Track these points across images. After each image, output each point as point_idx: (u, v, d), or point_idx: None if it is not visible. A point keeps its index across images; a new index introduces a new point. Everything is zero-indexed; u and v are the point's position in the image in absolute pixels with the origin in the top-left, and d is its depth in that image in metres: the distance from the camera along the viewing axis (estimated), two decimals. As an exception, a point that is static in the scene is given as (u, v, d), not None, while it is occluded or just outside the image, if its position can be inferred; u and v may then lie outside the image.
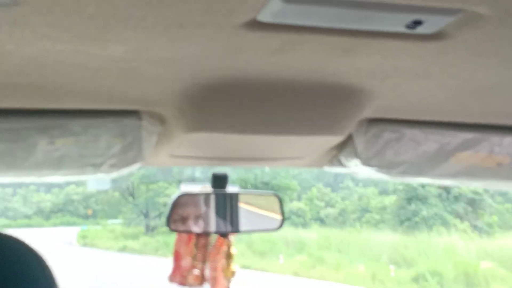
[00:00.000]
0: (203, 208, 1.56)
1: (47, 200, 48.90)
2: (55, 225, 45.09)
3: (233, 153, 1.30)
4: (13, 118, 1.10)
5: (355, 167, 1.31)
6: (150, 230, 29.54)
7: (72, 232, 33.62)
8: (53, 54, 0.82)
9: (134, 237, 28.97)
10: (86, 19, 0.69)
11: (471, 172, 1.35)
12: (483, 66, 0.90)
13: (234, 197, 1.58)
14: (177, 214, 1.53)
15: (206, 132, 1.08)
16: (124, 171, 1.22)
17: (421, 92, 1.06)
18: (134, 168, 1.21)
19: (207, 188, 1.58)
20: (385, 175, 1.33)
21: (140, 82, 0.98)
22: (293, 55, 0.84)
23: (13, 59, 0.84)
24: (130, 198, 32.12)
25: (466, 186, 1.75)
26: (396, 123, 1.28)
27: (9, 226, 46.65)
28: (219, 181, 1.58)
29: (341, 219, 26.41)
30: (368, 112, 1.15)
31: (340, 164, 1.35)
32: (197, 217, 1.56)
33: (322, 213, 27.67)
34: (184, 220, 1.55)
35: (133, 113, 1.16)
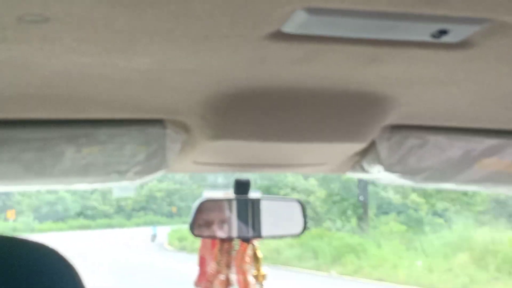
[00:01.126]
0: (226, 213, 1.91)
1: (128, 197, 51.37)
2: (137, 224, 47.22)
3: (256, 160, 1.54)
4: (41, 128, 1.32)
5: (377, 173, 1.52)
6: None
7: (161, 232, 34.13)
8: (80, 67, 0.97)
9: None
10: (114, 33, 0.82)
11: (495, 178, 1.54)
12: (508, 73, 1.02)
13: (256, 203, 1.90)
14: (201, 220, 1.89)
15: (229, 140, 1.26)
16: (148, 178, 1.46)
17: (445, 99, 1.22)
18: (158, 175, 1.46)
19: (230, 194, 1.93)
20: (408, 181, 1.53)
21: (165, 92, 1.15)
22: (317, 64, 0.97)
23: (42, 71, 1.00)
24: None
25: (490, 192, 1.96)
26: (420, 129, 1.45)
27: (89, 226, 49.52)
28: (241, 187, 1.90)
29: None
30: (392, 118, 1.31)
31: (363, 170, 1.57)
32: (221, 223, 1.91)
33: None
34: (208, 225, 1.91)
35: (157, 122, 1.34)
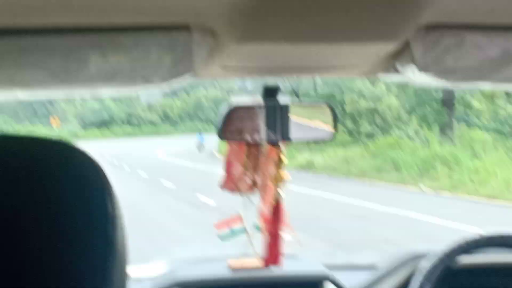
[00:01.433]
0: (254, 118, 2.00)
1: (174, 105, 52.08)
2: (183, 131, 48.36)
3: (285, 63, 1.58)
4: (65, 35, 1.37)
5: (411, 74, 1.54)
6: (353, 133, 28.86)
7: (209, 141, 34.15)
8: None
9: (318, 148, 27.50)
10: None
11: None
12: None
13: (285, 108, 1.98)
14: (230, 125, 1.99)
15: (257, 43, 1.32)
16: (175, 83, 1.51)
17: None
18: (185, 80, 1.50)
19: (258, 99, 2.02)
20: (444, 81, 1.56)
21: None
22: None
23: None
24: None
25: None
26: (457, 28, 1.45)
27: (134, 134, 50.84)
28: (270, 92, 1.98)
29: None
30: (426, 16, 1.33)
31: (396, 71, 1.59)
32: (249, 127, 2.01)
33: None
34: (236, 130, 2.01)
35: (183, 27, 1.40)
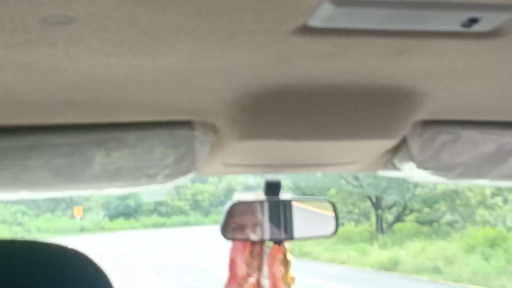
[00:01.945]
0: (257, 215, 2.14)
1: (205, 191, 51.97)
2: (216, 222, 48.04)
3: (286, 160, 1.71)
4: (70, 133, 1.44)
5: (410, 170, 1.67)
6: (386, 227, 26.94)
7: None
8: (106, 69, 1.07)
9: (367, 238, 25.69)
10: (139, 33, 0.90)
11: None
12: None
13: (287, 204, 2.12)
14: (233, 223, 2.13)
15: (258, 140, 1.38)
16: (178, 181, 1.62)
17: (477, 92, 1.31)
18: (187, 178, 1.62)
19: (261, 195, 2.17)
20: (441, 178, 1.68)
21: (192, 93, 1.26)
22: (345, 59, 1.06)
23: (68, 75, 1.10)
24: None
25: None
26: (452, 124, 1.58)
27: (163, 224, 50.55)
28: (272, 188, 2.12)
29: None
30: (423, 114, 1.43)
31: (395, 167, 1.72)
32: (253, 225, 2.15)
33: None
34: (240, 228, 2.15)
35: (185, 124, 1.48)
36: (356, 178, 25.83)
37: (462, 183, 1.84)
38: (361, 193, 27.19)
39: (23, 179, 1.47)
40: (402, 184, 23.89)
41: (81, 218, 46.24)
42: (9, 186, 1.49)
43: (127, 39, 0.93)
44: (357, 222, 29.28)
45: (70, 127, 1.45)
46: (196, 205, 52.38)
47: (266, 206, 2.14)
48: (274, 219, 2.13)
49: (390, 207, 27.65)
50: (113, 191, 1.62)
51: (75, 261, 0.85)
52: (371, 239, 25.56)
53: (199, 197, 51.49)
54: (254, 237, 2.15)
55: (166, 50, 0.99)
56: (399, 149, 1.61)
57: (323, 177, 26.35)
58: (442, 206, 25.66)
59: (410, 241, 22.93)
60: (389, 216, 27.82)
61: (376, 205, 27.27)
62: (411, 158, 1.59)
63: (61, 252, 0.86)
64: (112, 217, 49.87)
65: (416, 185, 24.33)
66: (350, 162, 1.74)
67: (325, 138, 1.39)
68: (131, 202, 50.70)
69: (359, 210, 29.57)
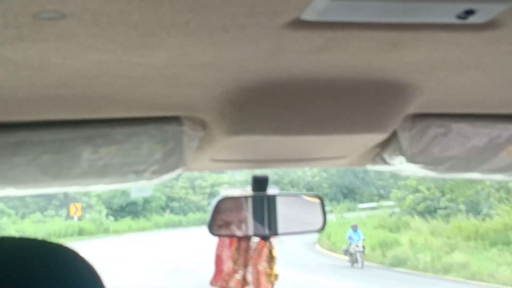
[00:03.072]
0: (244, 211, 2.45)
1: (225, 182, 50.94)
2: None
3: (275, 155, 1.94)
4: (58, 129, 1.61)
5: (399, 164, 1.89)
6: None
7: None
8: (97, 65, 1.19)
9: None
10: (131, 28, 1.00)
11: None
12: None
13: (274, 200, 2.46)
14: (220, 219, 2.45)
15: (247, 135, 1.55)
16: (166, 177, 1.83)
17: (469, 85, 1.47)
18: (175, 173, 1.84)
19: (248, 191, 2.48)
20: (431, 172, 1.90)
21: (182, 88, 1.40)
22: (338, 52, 1.18)
23: (58, 71, 1.22)
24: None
25: None
26: (443, 117, 1.79)
27: (180, 223, 48.88)
28: (259, 183, 2.46)
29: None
30: (414, 107, 1.60)
31: (384, 162, 1.95)
32: (240, 221, 2.45)
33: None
34: (227, 224, 2.47)
35: (174, 119, 1.66)
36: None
37: (453, 177, 2.04)
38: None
39: (10, 176, 1.64)
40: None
41: (80, 218, 44.70)
42: None
43: (119, 34, 1.04)
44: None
45: (58, 124, 1.62)
46: (213, 197, 50.94)
47: (253, 202, 2.49)
48: (261, 214, 2.47)
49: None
50: (100, 187, 1.82)
51: (66, 259, 0.92)
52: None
53: (217, 188, 50.87)
54: (239, 233, 2.50)
55: (157, 45, 1.10)
56: (389, 143, 1.82)
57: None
58: None
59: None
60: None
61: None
62: (401, 152, 1.81)
63: (52, 250, 0.93)
64: (117, 216, 48.59)
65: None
66: (339, 156, 1.98)
67: (315, 133, 1.57)
68: (139, 199, 49.69)
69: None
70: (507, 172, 1.95)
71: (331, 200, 54.11)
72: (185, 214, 51.93)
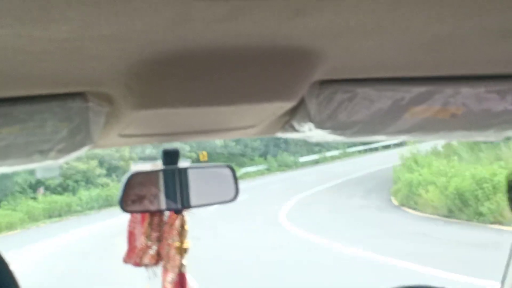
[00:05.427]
0: (155, 186, 2.47)
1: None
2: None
3: (184, 128, 1.96)
4: None
5: (309, 131, 1.93)
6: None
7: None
8: None
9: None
10: (27, 0, 0.97)
11: (424, 126, 1.98)
12: (436, 17, 1.25)
13: (186, 172, 2.49)
14: (131, 195, 2.45)
15: (155, 108, 1.53)
16: (73, 156, 1.79)
17: (373, 49, 1.50)
18: (83, 151, 1.80)
19: (159, 165, 2.50)
20: (340, 137, 1.96)
21: (85, 62, 1.36)
22: (243, 21, 1.17)
23: None
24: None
25: (420, 140, 2.52)
26: (349, 83, 1.83)
27: (75, 210, 44.91)
28: (170, 157, 2.48)
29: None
30: (320, 74, 1.62)
31: (294, 129, 2.00)
32: (152, 196, 2.48)
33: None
34: (138, 200, 2.48)
35: (78, 95, 1.62)
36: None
37: (360, 140, 2.11)
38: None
39: None
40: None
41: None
42: None
43: (15, 7, 1.00)
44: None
45: None
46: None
47: (163, 176, 2.51)
48: (171, 188, 2.50)
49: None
50: (3, 169, 1.77)
51: None
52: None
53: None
54: (151, 207, 2.52)
55: (57, 18, 1.07)
56: (297, 111, 1.86)
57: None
58: None
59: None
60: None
61: None
62: (310, 119, 1.85)
63: None
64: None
65: None
66: (249, 126, 2.02)
67: (223, 103, 1.57)
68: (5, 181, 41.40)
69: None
70: (411, 133, 2.03)
71: (264, 157, 54.36)
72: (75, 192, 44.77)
